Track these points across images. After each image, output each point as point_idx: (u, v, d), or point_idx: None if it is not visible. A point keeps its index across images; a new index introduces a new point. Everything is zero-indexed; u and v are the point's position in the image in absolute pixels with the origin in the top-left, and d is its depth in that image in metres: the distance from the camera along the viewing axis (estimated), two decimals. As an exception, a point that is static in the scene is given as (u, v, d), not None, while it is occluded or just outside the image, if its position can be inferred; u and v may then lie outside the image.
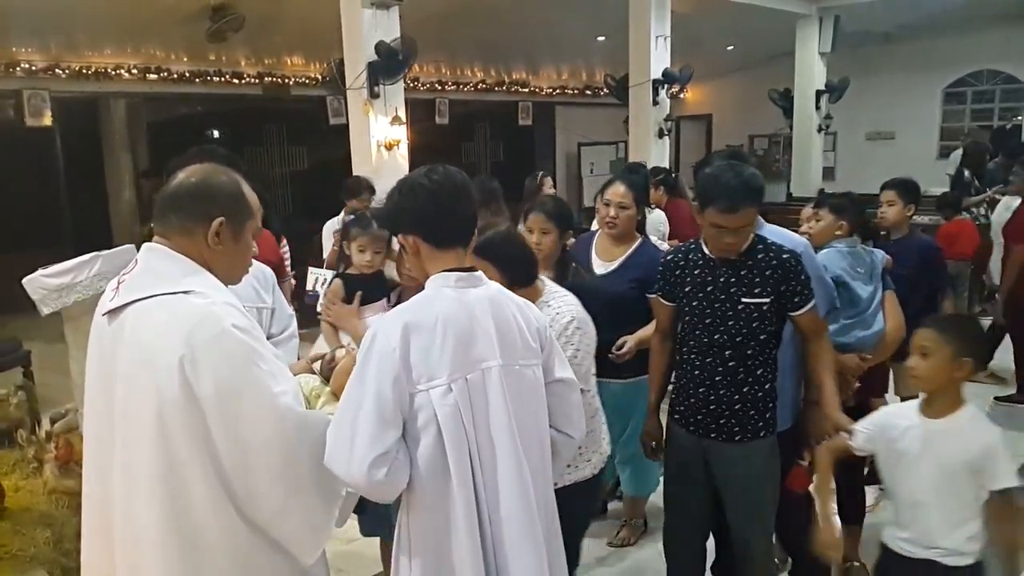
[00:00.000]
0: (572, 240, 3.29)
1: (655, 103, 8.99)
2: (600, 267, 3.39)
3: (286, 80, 10.04)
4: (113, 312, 1.64)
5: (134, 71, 8.70)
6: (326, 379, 2.19)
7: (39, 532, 2.68)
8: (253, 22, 8.32)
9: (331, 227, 5.57)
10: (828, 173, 12.94)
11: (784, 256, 2.53)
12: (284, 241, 4.61)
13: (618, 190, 3.33)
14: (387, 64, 6.24)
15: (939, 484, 2.20)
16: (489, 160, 13.64)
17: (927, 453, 2.21)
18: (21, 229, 8.55)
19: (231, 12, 8.02)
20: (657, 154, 9.13)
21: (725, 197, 2.43)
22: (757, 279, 2.52)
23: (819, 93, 11.71)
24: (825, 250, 3.23)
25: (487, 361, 1.78)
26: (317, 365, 2.26)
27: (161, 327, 1.57)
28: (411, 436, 1.72)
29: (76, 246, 4.41)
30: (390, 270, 2.96)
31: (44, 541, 2.68)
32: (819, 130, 12.03)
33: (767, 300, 2.52)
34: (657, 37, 8.85)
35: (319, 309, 3.00)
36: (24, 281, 4.47)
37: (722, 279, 2.56)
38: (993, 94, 13.12)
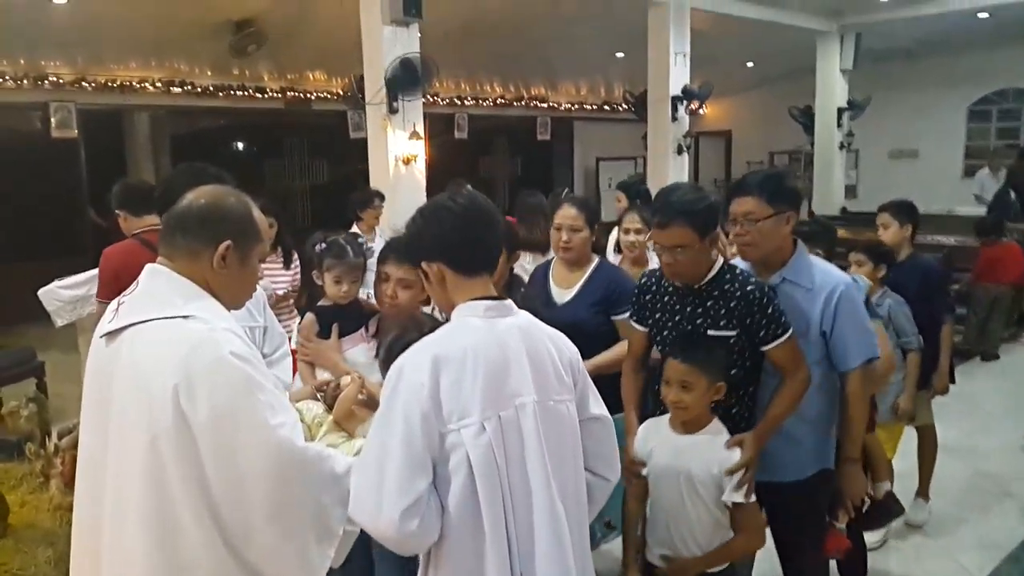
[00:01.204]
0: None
1: (674, 119, 8.97)
2: (559, 296, 3.16)
3: (308, 95, 10.16)
4: (111, 334, 1.61)
5: (158, 84, 8.84)
6: (330, 407, 2.15)
7: (40, 551, 2.68)
8: (276, 37, 8.43)
9: None
10: (850, 191, 12.85)
11: (749, 288, 2.38)
12: (296, 258, 4.34)
13: (568, 212, 3.13)
14: (405, 79, 6.28)
15: (690, 496, 2.32)
16: (507, 175, 13.67)
17: (678, 467, 2.34)
18: (44, 239, 8.67)
19: (253, 27, 8.14)
20: (676, 170, 9.10)
21: (658, 211, 2.38)
22: (723, 311, 2.40)
23: (840, 110, 11.63)
24: None
25: (521, 396, 1.64)
26: (321, 393, 2.24)
27: (157, 352, 1.53)
28: (441, 479, 1.58)
29: (96, 257, 4.44)
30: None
31: (45, 560, 2.67)
32: (841, 147, 11.93)
33: (733, 333, 2.38)
34: (676, 54, 8.83)
35: (294, 347, 2.75)
36: (40, 293, 4.53)
37: (689, 308, 2.45)
38: (1019, 112, 12.99)
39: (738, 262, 2.72)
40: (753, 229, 2.49)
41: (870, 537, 3.68)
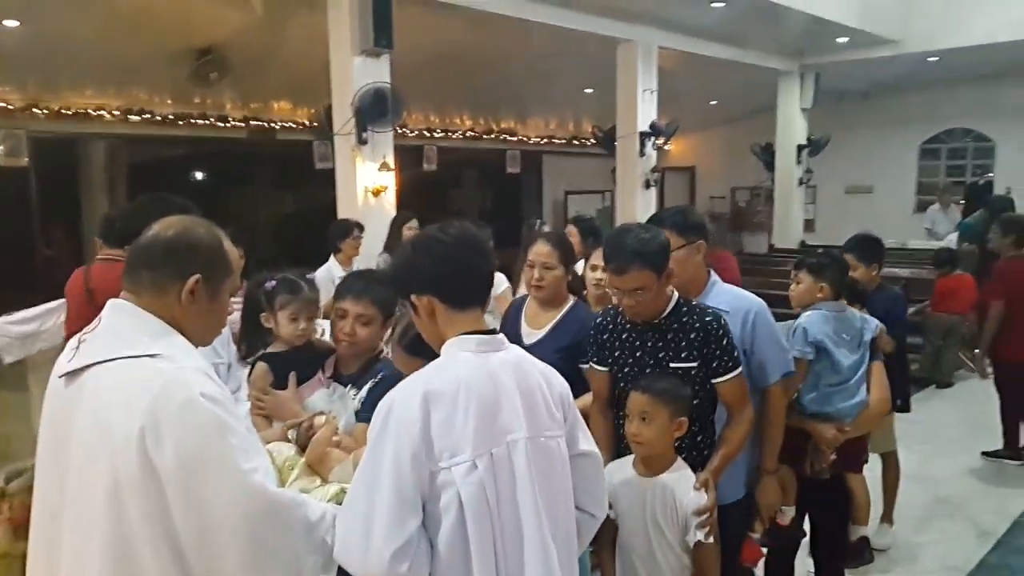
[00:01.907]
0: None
1: (642, 154, 9.05)
2: (528, 336, 3.04)
3: (272, 124, 10.03)
4: (71, 375, 1.49)
5: (116, 112, 8.62)
6: (302, 449, 2.04)
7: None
8: (239, 66, 8.32)
9: (322, 275, 5.36)
10: (808, 225, 13.11)
11: (707, 319, 2.42)
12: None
13: (542, 249, 3.00)
14: (375, 110, 6.20)
15: (657, 539, 2.33)
16: (477, 207, 13.64)
17: (644, 509, 2.33)
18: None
19: (214, 54, 8.01)
20: (644, 204, 9.17)
21: (614, 259, 2.36)
22: (683, 343, 2.42)
23: (800, 147, 11.89)
24: (809, 312, 3.03)
25: (513, 433, 1.61)
26: (292, 433, 2.10)
27: (122, 394, 1.43)
28: (431, 519, 1.54)
29: (47, 291, 4.22)
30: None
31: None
32: (800, 183, 12.19)
33: (694, 364, 2.41)
34: (644, 90, 8.95)
35: (247, 399, 2.51)
36: (-14, 328, 4.33)
37: (650, 343, 2.45)
38: (966, 151, 13.43)
39: None
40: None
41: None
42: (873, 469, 4.02)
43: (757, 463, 2.72)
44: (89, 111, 8.45)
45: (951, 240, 10.46)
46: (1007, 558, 3.99)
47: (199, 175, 10.28)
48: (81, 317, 3.64)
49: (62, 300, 4.37)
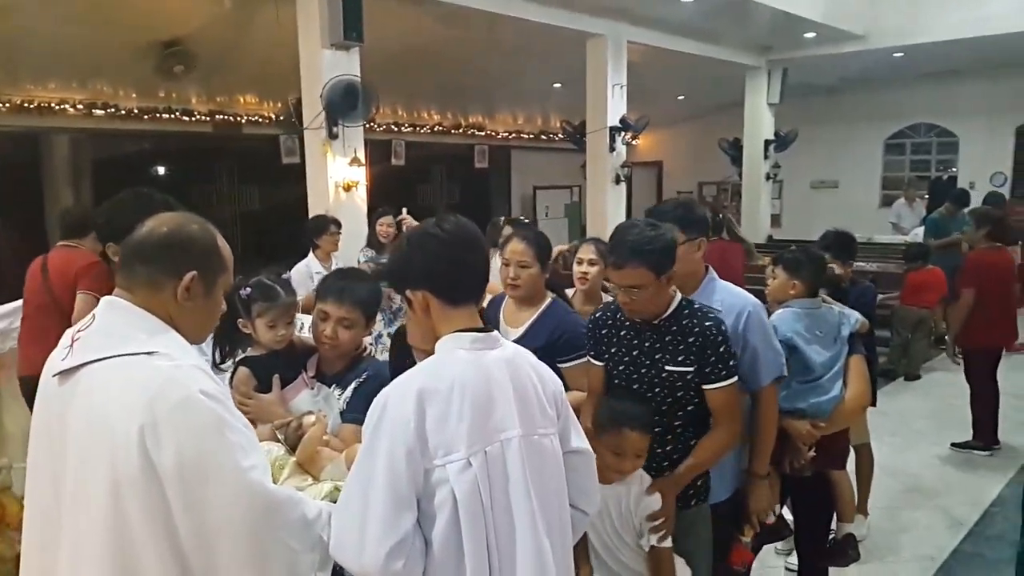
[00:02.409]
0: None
1: (612, 149, 9.08)
2: (507, 335, 2.93)
3: (238, 118, 9.90)
4: (65, 373, 1.46)
5: (79, 106, 8.46)
6: (292, 448, 2.02)
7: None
8: (205, 59, 8.20)
9: (301, 270, 5.36)
10: (774, 220, 13.23)
11: (707, 324, 2.35)
12: None
13: (516, 247, 2.94)
14: (345, 104, 6.14)
15: (620, 545, 2.33)
16: (445, 202, 13.59)
17: (603, 515, 2.29)
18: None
19: (179, 47, 7.89)
20: (614, 199, 9.21)
21: (614, 253, 2.33)
22: (681, 346, 2.36)
23: (767, 142, 12.00)
24: (780, 310, 2.99)
25: (507, 431, 1.60)
26: (282, 434, 2.07)
27: (120, 392, 1.41)
28: (425, 516, 1.54)
29: (11, 289, 4.10)
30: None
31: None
32: (767, 178, 12.29)
33: (691, 369, 2.35)
34: (614, 85, 8.96)
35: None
36: (-47, 328, 4.21)
37: (647, 344, 2.40)
38: (930, 146, 13.66)
39: None
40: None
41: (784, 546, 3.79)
42: (847, 462, 4.09)
43: (745, 465, 2.67)
44: (52, 105, 8.28)
45: (916, 234, 10.67)
46: (980, 547, 4.05)
47: (164, 170, 10.11)
48: (35, 296, 3.77)
49: (23, 300, 4.30)
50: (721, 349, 2.34)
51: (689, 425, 2.40)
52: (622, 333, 2.46)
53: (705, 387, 2.35)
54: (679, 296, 2.42)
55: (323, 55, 6.14)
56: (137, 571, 1.39)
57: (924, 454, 5.31)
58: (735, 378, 2.38)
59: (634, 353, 2.41)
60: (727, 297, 2.58)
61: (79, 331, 1.51)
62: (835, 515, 3.48)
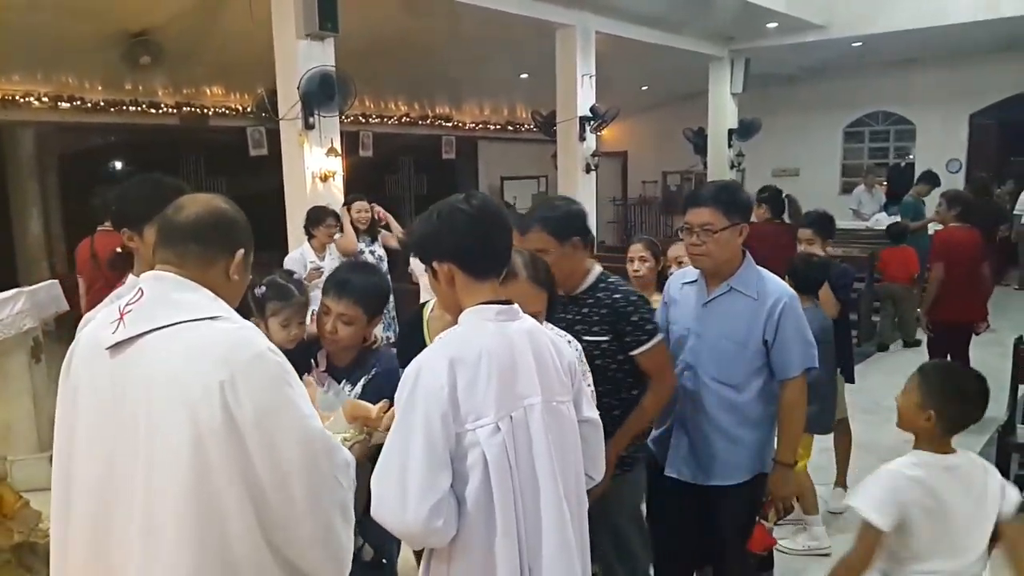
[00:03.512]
0: None
1: (582, 139, 9.17)
2: None
3: (205, 110, 9.81)
4: (119, 345, 1.54)
5: (45, 99, 8.32)
6: None
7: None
8: (173, 51, 8.10)
9: (295, 258, 5.49)
10: (739, 208, 13.42)
11: (617, 296, 2.52)
12: None
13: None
14: (322, 94, 6.15)
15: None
16: (413, 193, 13.60)
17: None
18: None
19: (146, 38, 7.80)
20: (585, 188, 9.30)
21: (521, 222, 2.48)
22: (595, 317, 2.52)
23: (731, 131, 12.18)
24: None
25: (530, 398, 1.71)
26: None
27: (194, 353, 1.51)
28: (458, 477, 1.64)
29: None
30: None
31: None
32: (731, 167, 12.47)
33: (606, 339, 2.49)
34: (583, 75, 9.04)
35: None
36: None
37: (568, 315, 2.54)
38: (888, 134, 13.99)
39: (687, 271, 2.85)
40: (710, 240, 2.57)
41: (792, 544, 3.94)
42: (826, 437, 4.24)
43: (762, 448, 2.70)
44: (17, 97, 8.15)
45: (877, 219, 10.96)
46: None
47: (131, 162, 9.98)
48: (92, 280, 4.39)
49: (18, 290, 4.30)
50: (634, 318, 2.50)
51: (614, 395, 2.52)
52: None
53: (632, 353, 2.53)
54: (598, 269, 2.57)
55: (298, 45, 6.13)
56: (222, 520, 1.48)
57: (896, 431, 5.47)
58: (658, 337, 2.55)
59: (561, 327, 2.46)
60: (763, 286, 2.64)
61: (128, 305, 1.58)
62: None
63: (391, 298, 4.79)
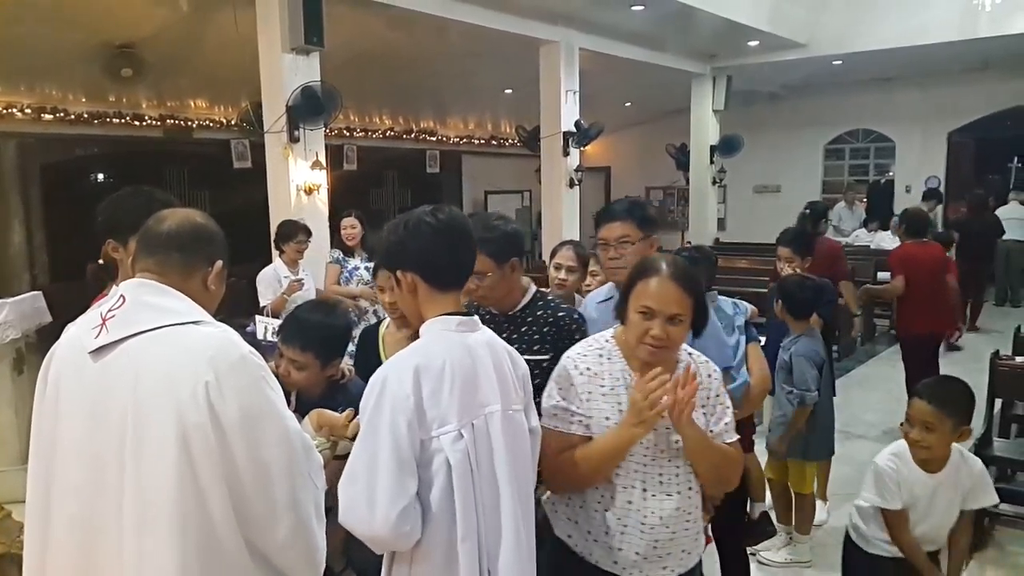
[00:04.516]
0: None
1: (566, 154, 9.24)
2: None
3: (188, 123, 9.80)
4: (102, 349, 1.58)
5: (28, 111, 8.30)
6: None
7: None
8: (156, 63, 8.11)
9: (269, 274, 5.42)
10: (720, 223, 13.57)
11: (560, 314, 2.51)
12: None
13: None
14: (308, 108, 6.18)
15: None
16: (397, 207, 13.61)
17: None
18: None
19: (129, 51, 7.80)
20: (568, 203, 9.36)
21: None
22: (536, 335, 2.50)
23: (713, 148, 12.30)
24: None
25: (490, 406, 1.77)
26: None
27: (179, 354, 1.55)
28: (422, 483, 1.68)
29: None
30: None
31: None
32: (713, 183, 12.59)
33: (547, 357, 2.44)
34: (567, 91, 9.13)
35: None
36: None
37: (504, 335, 2.42)
38: (868, 151, 14.17)
39: (600, 291, 2.88)
40: (628, 252, 2.57)
41: (773, 556, 3.97)
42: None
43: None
44: (-1, 109, 8.12)
45: (857, 236, 11.09)
46: None
47: (114, 175, 9.93)
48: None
49: (0, 300, 4.28)
50: (577, 336, 2.45)
51: None
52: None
53: None
54: (534, 288, 2.56)
55: (284, 59, 6.16)
56: (206, 513, 1.52)
57: (876, 444, 5.53)
58: None
59: None
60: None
61: (110, 311, 1.61)
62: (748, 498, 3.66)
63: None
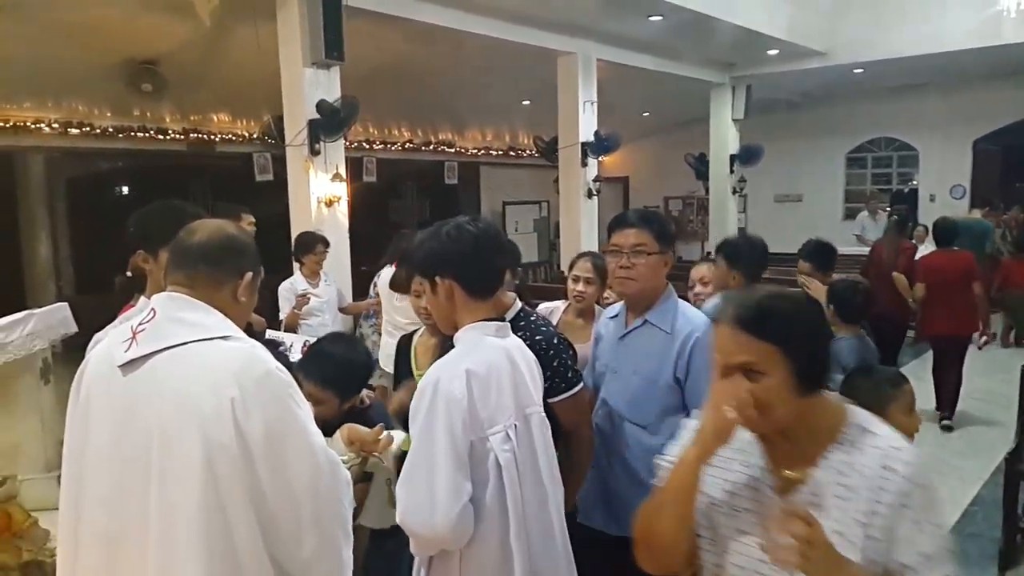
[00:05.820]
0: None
1: (584, 165, 9.25)
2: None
3: (211, 137, 9.92)
4: (131, 363, 1.59)
5: (55, 125, 8.43)
6: None
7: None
8: (179, 78, 8.22)
9: (287, 287, 5.33)
10: (740, 234, 13.46)
11: (538, 337, 2.27)
12: None
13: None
14: (328, 122, 6.24)
15: None
16: (416, 218, 13.68)
17: None
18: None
19: (152, 67, 7.91)
20: (587, 213, 9.37)
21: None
22: None
23: (732, 157, 12.24)
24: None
25: (529, 407, 1.86)
26: None
27: (206, 370, 1.55)
28: (475, 482, 1.73)
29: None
30: None
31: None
32: (733, 192, 12.53)
33: None
34: (585, 102, 9.14)
35: None
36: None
37: None
38: (891, 160, 14.04)
39: (614, 306, 2.73)
40: (641, 262, 2.42)
41: None
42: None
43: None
44: (28, 124, 8.25)
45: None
46: (964, 544, 4.10)
47: (138, 188, 10.08)
48: None
49: (28, 312, 4.32)
50: (555, 363, 2.26)
51: None
52: None
53: (549, 400, 2.17)
54: (519, 305, 2.44)
55: (304, 73, 6.22)
56: (230, 529, 1.52)
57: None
58: (579, 386, 2.33)
59: None
60: (679, 320, 2.47)
61: (140, 324, 1.62)
62: None
63: None
